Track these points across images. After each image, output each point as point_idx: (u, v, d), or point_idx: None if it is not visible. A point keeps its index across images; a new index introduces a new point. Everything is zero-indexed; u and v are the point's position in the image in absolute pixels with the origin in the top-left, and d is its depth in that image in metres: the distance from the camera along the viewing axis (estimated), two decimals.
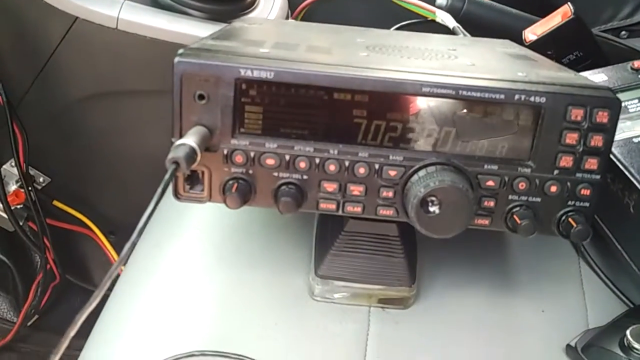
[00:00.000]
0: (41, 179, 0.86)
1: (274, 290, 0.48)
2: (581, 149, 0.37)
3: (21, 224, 0.83)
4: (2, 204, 0.77)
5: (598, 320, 0.46)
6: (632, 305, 0.46)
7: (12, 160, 0.81)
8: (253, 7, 0.76)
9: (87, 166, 0.85)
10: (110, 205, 0.90)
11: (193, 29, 0.69)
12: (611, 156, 0.46)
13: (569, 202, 0.38)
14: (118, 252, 0.92)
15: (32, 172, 0.84)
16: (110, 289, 0.51)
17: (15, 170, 0.82)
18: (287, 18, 0.81)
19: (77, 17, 0.67)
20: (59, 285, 0.91)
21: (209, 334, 0.44)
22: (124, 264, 0.40)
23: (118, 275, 0.55)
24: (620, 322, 0.43)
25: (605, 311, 0.46)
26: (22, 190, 0.81)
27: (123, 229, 0.91)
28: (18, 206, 0.82)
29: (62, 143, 0.82)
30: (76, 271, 0.94)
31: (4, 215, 0.81)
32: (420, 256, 0.47)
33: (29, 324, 0.92)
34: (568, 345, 0.44)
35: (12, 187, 0.82)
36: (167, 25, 0.69)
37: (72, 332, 0.31)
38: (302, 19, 0.84)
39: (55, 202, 0.87)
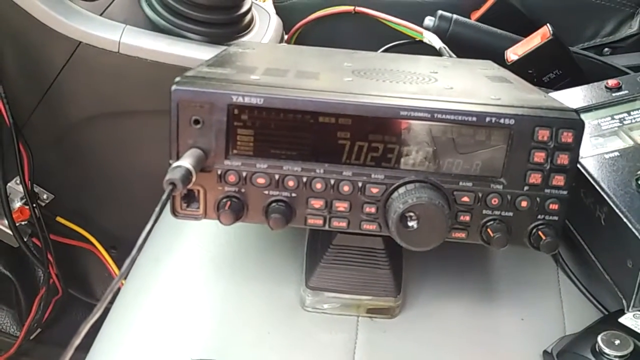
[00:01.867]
0: (45, 196, 0.89)
1: (268, 301, 0.50)
2: (549, 167, 0.40)
3: (25, 239, 0.85)
4: (8, 220, 0.80)
5: (574, 327, 0.48)
6: (606, 312, 0.49)
7: (17, 178, 0.84)
8: (249, 29, 0.79)
9: (89, 183, 0.88)
10: (111, 220, 0.92)
11: (191, 52, 0.72)
12: (584, 171, 0.49)
13: (539, 216, 0.41)
14: (119, 266, 0.94)
15: (36, 189, 0.86)
16: (111, 302, 0.54)
17: (20, 188, 0.84)
18: (282, 39, 0.84)
19: (80, 42, 0.71)
20: (61, 300, 0.93)
21: (206, 343, 0.47)
22: (125, 278, 0.43)
23: (119, 289, 0.58)
24: (594, 328, 0.46)
25: (581, 318, 0.49)
26: (27, 207, 0.84)
27: (124, 244, 0.94)
28: (22, 222, 0.85)
29: (65, 162, 0.85)
30: (78, 285, 0.97)
31: (9, 231, 0.84)
32: (405, 268, 0.50)
33: (31, 337, 0.94)
34: (545, 352, 0.46)
35: (17, 204, 0.85)
36: (167, 49, 0.72)
37: (77, 342, 0.34)
38: (296, 39, 0.87)
39: (59, 218, 0.89)
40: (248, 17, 0.79)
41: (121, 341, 0.47)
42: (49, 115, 0.78)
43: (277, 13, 0.86)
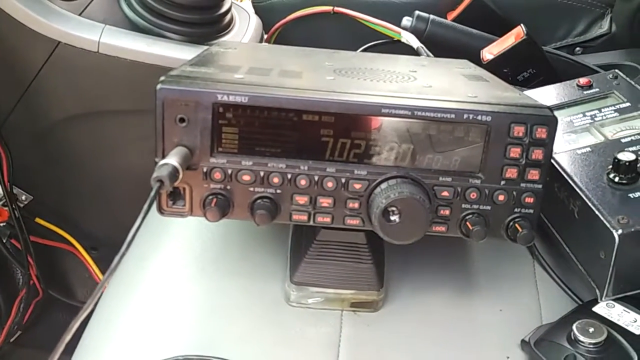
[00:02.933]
0: (23, 197, 0.88)
1: (253, 297, 0.51)
2: (524, 162, 0.41)
3: (4, 241, 0.85)
4: None
5: (551, 316, 0.50)
6: (580, 302, 0.51)
7: None
8: (229, 29, 0.80)
9: (69, 184, 0.87)
10: (91, 221, 0.92)
11: (171, 52, 0.73)
12: (557, 166, 0.51)
13: (515, 209, 0.42)
14: (100, 268, 0.94)
15: (15, 190, 0.86)
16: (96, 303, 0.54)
17: None
18: (261, 39, 0.84)
19: (59, 42, 0.70)
20: (41, 301, 0.92)
21: (192, 339, 0.47)
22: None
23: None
24: (569, 317, 0.47)
25: (557, 308, 0.50)
26: (5, 208, 0.83)
27: (105, 245, 0.94)
28: (1, 224, 0.84)
29: (44, 162, 0.84)
30: (58, 287, 0.96)
31: None
32: (387, 262, 0.51)
33: (11, 340, 0.93)
34: (522, 340, 0.47)
35: None
36: (146, 48, 0.72)
37: (67, 338, 0.34)
38: (276, 39, 0.88)
39: (38, 220, 0.89)
40: (228, 16, 0.79)
41: (108, 338, 0.48)
42: (27, 115, 0.77)
43: (256, 13, 0.87)
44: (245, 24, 0.82)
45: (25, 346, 0.95)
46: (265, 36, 0.87)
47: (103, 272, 0.93)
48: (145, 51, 0.72)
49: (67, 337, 0.34)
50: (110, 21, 0.73)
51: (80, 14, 0.72)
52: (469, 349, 0.48)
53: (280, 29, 0.87)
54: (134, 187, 0.81)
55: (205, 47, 0.70)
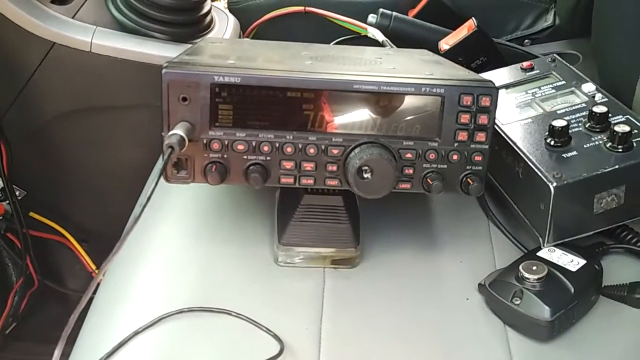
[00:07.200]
0: (17, 192, 0.92)
1: (245, 259, 0.57)
2: (472, 126, 0.49)
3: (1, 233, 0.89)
4: None
5: (503, 264, 0.58)
6: (526, 251, 0.59)
7: None
8: (209, 29, 0.86)
9: (61, 179, 0.92)
10: (83, 214, 0.97)
11: (157, 50, 0.79)
12: (504, 136, 0.59)
13: (467, 167, 0.50)
14: (92, 258, 0.99)
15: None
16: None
17: None
18: (239, 37, 0.92)
19: (54, 43, 0.76)
20: (36, 292, 0.96)
21: (193, 296, 0.53)
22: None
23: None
24: (517, 262, 0.55)
25: (508, 257, 0.58)
26: (1, 202, 0.88)
27: (95, 237, 0.98)
28: None
29: (39, 158, 0.89)
30: (51, 278, 1.00)
31: None
32: (362, 225, 0.58)
33: (6, 332, 0.95)
34: (479, 284, 0.55)
35: None
36: (135, 47, 0.78)
37: (85, 301, 0.38)
38: (252, 38, 0.95)
39: (32, 214, 0.93)
40: (208, 17, 0.86)
41: (119, 298, 0.54)
42: (23, 112, 0.83)
43: (232, 14, 0.93)
44: (224, 24, 0.89)
45: (20, 339, 0.97)
46: (242, 36, 0.94)
47: (94, 263, 0.98)
48: (134, 50, 0.78)
49: (84, 301, 0.38)
50: (100, 23, 0.79)
51: (72, 17, 0.78)
52: (434, 294, 0.56)
53: (255, 29, 0.94)
54: (123, 181, 0.87)
55: (189, 45, 0.77)
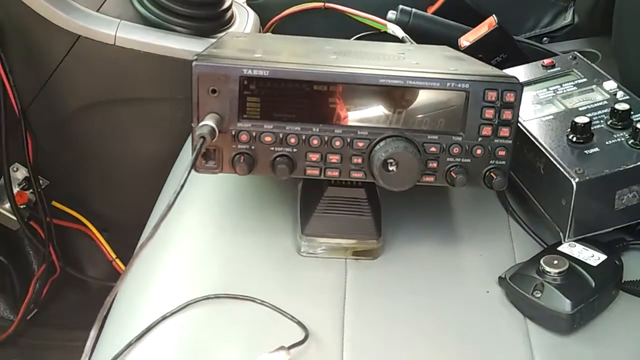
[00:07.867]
0: (40, 182, 0.94)
1: (268, 249, 0.58)
2: (497, 121, 0.50)
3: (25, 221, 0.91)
4: (10, 203, 0.86)
5: (523, 258, 0.58)
6: (546, 246, 0.60)
7: (15, 165, 0.90)
8: (230, 24, 0.88)
9: (84, 169, 0.94)
10: (103, 204, 0.98)
11: (180, 44, 0.80)
12: (526, 132, 0.60)
13: (491, 161, 0.51)
14: (112, 247, 1.01)
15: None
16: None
17: (17, 175, 0.90)
18: (259, 32, 0.93)
19: (79, 36, 0.78)
20: (57, 280, 0.98)
21: (219, 283, 0.54)
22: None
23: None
24: (538, 256, 0.56)
25: (527, 251, 0.59)
26: (25, 191, 0.90)
27: (115, 226, 1.00)
28: (21, 206, 0.90)
29: (62, 148, 0.91)
30: (72, 265, 1.02)
31: (9, 214, 0.90)
32: (383, 218, 0.59)
33: (28, 317, 0.97)
34: (500, 277, 0.56)
35: (15, 189, 0.91)
36: (158, 41, 0.79)
37: (119, 286, 0.39)
38: (272, 33, 0.96)
39: (54, 203, 0.95)
40: (229, 12, 0.87)
41: (148, 284, 0.55)
42: (48, 103, 0.84)
43: (252, 10, 0.94)
44: (244, 19, 0.90)
45: (40, 325, 0.98)
46: (262, 31, 0.95)
47: (115, 252, 0.99)
48: (157, 44, 0.79)
49: (119, 286, 0.40)
50: (124, 17, 0.80)
51: (97, 10, 0.79)
52: (455, 286, 0.56)
53: (275, 24, 0.95)
54: (143, 172, 0.88)
55: (211, 40, 0.78)
